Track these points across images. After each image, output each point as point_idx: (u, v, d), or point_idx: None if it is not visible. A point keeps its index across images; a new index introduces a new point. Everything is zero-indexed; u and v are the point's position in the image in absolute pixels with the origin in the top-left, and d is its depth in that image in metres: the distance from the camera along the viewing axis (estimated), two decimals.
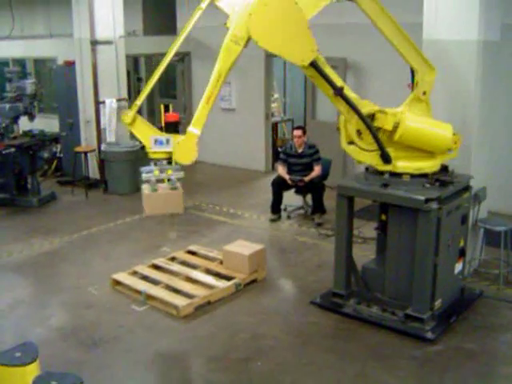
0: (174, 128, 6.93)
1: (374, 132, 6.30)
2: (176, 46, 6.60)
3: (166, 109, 10.00)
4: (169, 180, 6.34)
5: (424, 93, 6.40)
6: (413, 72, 6.48)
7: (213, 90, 6.16)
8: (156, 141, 6.15)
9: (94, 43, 11.74)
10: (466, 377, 5.67)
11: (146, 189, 7.16)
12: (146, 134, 6.24)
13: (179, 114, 10.61)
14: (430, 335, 6.22)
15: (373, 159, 6.51)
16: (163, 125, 6.91)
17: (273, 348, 6.18)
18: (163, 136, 6.24)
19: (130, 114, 6.22)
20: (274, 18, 5.79)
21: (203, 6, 6.45)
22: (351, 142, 6.53)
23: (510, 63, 9.18)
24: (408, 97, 6.52)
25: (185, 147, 6.16)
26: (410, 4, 8.63)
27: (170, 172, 6.28)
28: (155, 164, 6.26)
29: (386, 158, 6.43)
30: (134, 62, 15.27)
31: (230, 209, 10.71)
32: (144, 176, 6.35)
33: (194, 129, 6.20)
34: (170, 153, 6.17)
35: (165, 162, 6.26)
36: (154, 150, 6.19)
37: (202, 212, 10.60)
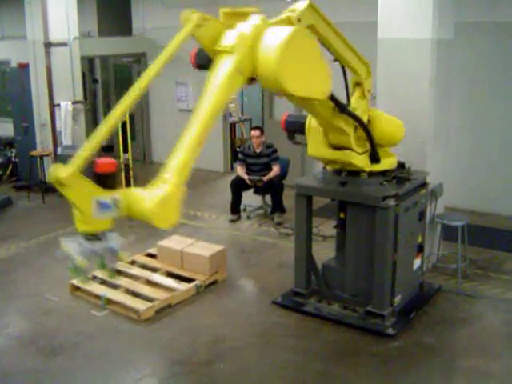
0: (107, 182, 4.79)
1: (370, 133, 6.24)
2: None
3: None
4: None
5: (368, 90, 6.42)
6: (344, 72, 6.34)
7: (205, 128, 4.63)
8: (100, 204, 4.14)
9: (48, 45, 11.55)
10: (428, 371, 5.73)
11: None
12: (87, 196, 4.17)
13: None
14: (390, 331, 6.28)
15: (363, 161, 6.41)
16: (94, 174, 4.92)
17: (235, 349, 6.16)
18: (108, 196, 4.18)
19: (68, 169, 4.13)
20: (298, 58, 4.75)
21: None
22: (338, 148, 6.38)
23: (462, 61, 9.31)
24: (353, 95, 6.47)
25: (166, 206, 4.15)
26: (363, 3, 8.69)
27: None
28: (88, 239, 4.37)
29: (377, 158, 6.45)
30: (89, 64, 15.09)
31: (189, 210, 10.65)
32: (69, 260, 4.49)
33: (176, 181, 4.32)
34: (113, 219, 4.29)
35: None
36: (95, 218, 4.20)
37: None
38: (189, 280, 7.47)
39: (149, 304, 6.88)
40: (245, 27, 4.76)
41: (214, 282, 7.60)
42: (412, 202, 6.55)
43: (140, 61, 14.13)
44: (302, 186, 6.79)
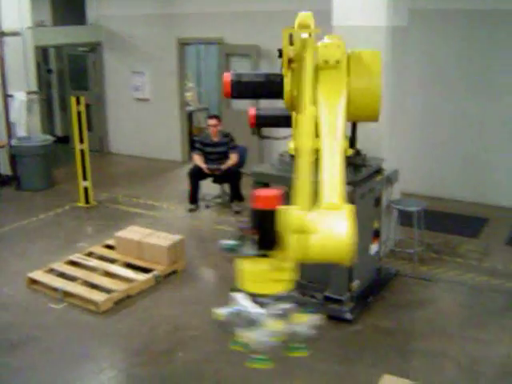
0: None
1: None
2: None
3: (78, 101, 9.86)
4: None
5: None
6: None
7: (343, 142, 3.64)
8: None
9: (0, 35, 11.32)
10: (385, 354, 5.82)
11: None
12: None
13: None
14: (348, 316, 6.35)
15: (347, 145, 6.46)
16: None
17: (195, 338, 6.17)
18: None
19: None
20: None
21: None
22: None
23: (417, 48, 9.42)
24: None
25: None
26: None
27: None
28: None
29: (354, 142, 6.51)
30: (43, 53, 14.83)
31: (148, 200, 10.61)
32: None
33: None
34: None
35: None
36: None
37: (118, 205, 10.44)
38: (148, 270, 7.44)
39: (107, 295, 6.84)
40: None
41: (174, 272, 7.59)
42: (368, 189, 6.62)
43: (95, 50, 13.94)
44: (258, 173, 6.80)
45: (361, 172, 6.52)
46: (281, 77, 5.66)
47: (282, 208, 2.87)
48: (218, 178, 10.15)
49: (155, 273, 7.35)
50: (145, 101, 13.59)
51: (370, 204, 6.75)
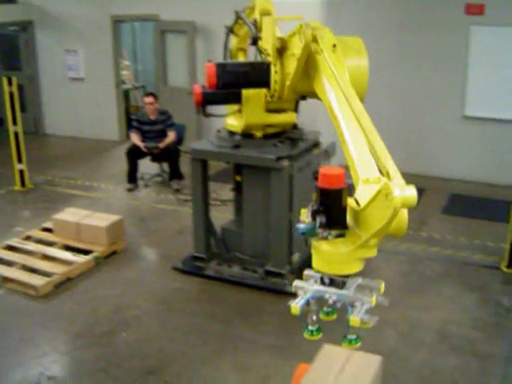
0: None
1: None
2: None
3: (10, 82, 9.59)
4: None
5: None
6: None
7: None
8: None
9: None
10: (327, 324, 5.89)
11: None
12: None
13: None
14: (289, 289, 6.35)
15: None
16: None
17: (137, 318, 6.14)
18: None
19: None
20: None
21: None
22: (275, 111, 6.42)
23: (349, 21, 9.48)
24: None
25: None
26: None
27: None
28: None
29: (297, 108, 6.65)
30: None
31: (86, 181, 10.45)
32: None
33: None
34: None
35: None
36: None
37: (55, 187, 10.25)
38: (87, 252, 7.35)
39: (47, 279, 6.73)
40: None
41: (114, 253, 7.52)
42: (305, 162, 6.66)
43: (27, 29, 13.55)
44: (196, 150, 6.76)
45: (298, 146, 6.56)
46: (266, 65, 5.61)
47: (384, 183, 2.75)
48: (157, 157, 10.06)
49: (95, 254, 7.27)
50: (80, 80, 13.33)
51: (308, 178, 6.78)
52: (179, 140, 10.17)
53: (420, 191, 9.10)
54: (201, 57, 11.59)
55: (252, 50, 6.26)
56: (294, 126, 6.88)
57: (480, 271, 7.05)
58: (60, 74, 13.45)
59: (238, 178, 6.92)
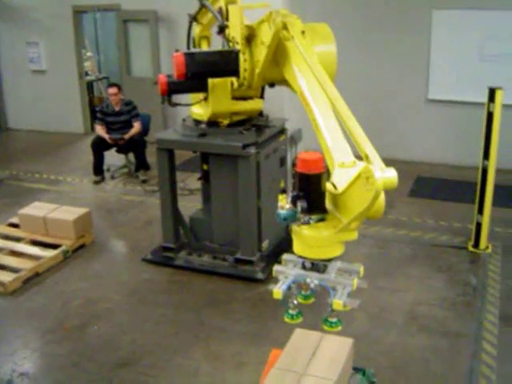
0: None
1: None
2: None
3: None
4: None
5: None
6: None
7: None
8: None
9: None
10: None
11: None
12: None
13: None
14: (260, 276, 6.43)
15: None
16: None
17: (108, 310, 6.10)
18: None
19: None
20: None
21: None
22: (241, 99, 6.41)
23: (314, 8, 9.48)
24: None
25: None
26: None
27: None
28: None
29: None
30: None
31: (51, 175, 10.33)
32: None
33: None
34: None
35: None
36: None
37: (20, 182, 10.12)
38: (55, 246, 7.28)
39: (15, 275, 6.64)
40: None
41: (82, 246, 7.45)
42: (272, 149, 6.67)
43: None
44: (162, 139, 6.72)
45: (264, 133, 6.56)
46: (235, 53, 5.55)
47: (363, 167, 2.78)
48: (122, 148, 9.98)
49: (63, 248, 7.20)
50: (41, 72, 13.15)
51: (275, 164, 6.81)
52: (145, 130, 10.10)
53: None
54: (164, 46, 11.52)
55: (216, 38, 6.22)
56: (260, 113, 6.88)
57: (447, 252, 7.13)
58: (22, 66, 13.25)
59: (205, 167, 6.90)
